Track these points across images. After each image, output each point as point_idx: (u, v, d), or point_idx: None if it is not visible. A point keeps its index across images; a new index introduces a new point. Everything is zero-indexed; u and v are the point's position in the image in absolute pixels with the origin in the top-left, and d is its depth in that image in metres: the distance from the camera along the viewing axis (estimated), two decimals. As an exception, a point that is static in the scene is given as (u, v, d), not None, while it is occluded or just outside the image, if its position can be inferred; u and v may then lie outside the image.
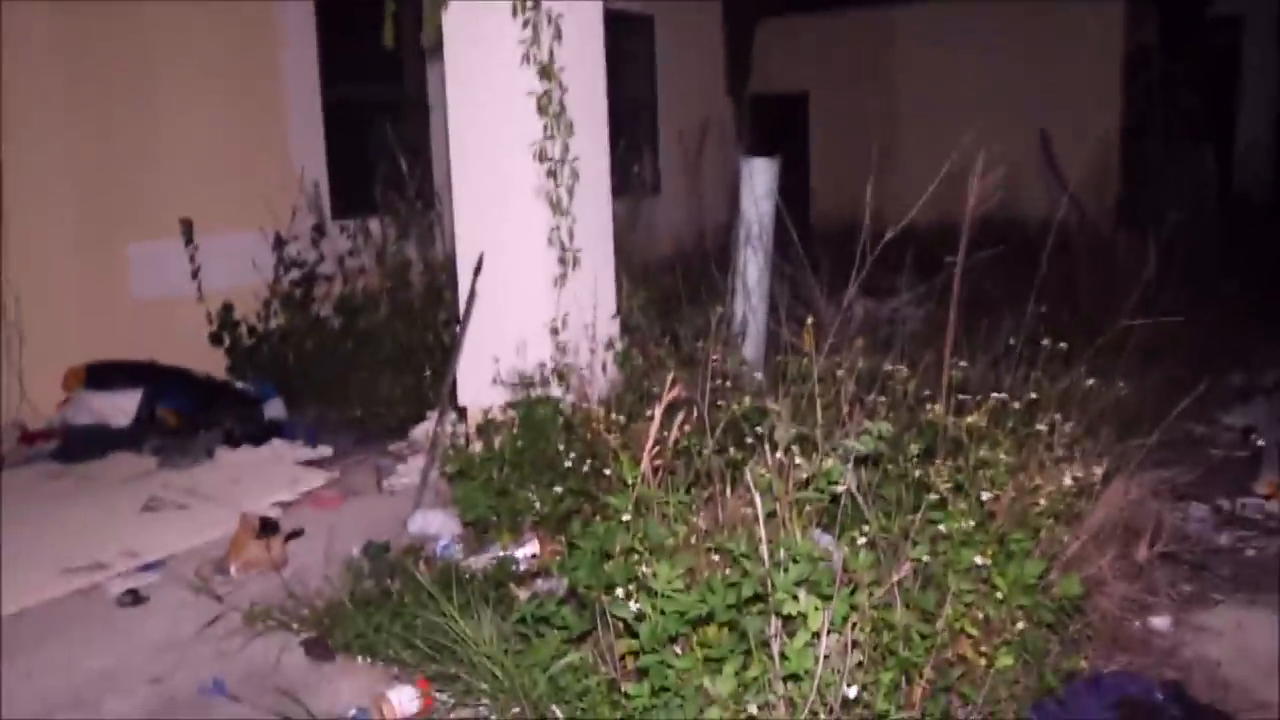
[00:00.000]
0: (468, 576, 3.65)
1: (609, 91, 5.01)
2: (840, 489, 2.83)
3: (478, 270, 4.86)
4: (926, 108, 11.85)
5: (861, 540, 2.65)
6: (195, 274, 7.02)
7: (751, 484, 2.69)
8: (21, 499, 5.13)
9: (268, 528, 4.18)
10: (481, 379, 4.86)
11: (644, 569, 2.66)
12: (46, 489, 5.30)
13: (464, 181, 4.81)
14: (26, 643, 3.67)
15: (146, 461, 5.69)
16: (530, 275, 4.72)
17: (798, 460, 2.84)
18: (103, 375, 6.36)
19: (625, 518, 2.94)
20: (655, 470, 3.23)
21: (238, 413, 6.18)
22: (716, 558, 2.85)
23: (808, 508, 2.88)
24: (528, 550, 4.16)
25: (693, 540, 2.94)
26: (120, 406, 6.15)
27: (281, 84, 7.57)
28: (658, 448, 3.20)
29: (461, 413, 5.20)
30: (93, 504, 5.03)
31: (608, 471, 3.59)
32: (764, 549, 2.57)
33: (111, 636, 3.70)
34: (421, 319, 6.53)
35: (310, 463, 5.69)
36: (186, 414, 6.30)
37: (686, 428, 3.40)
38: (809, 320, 3.72)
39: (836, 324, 4.08)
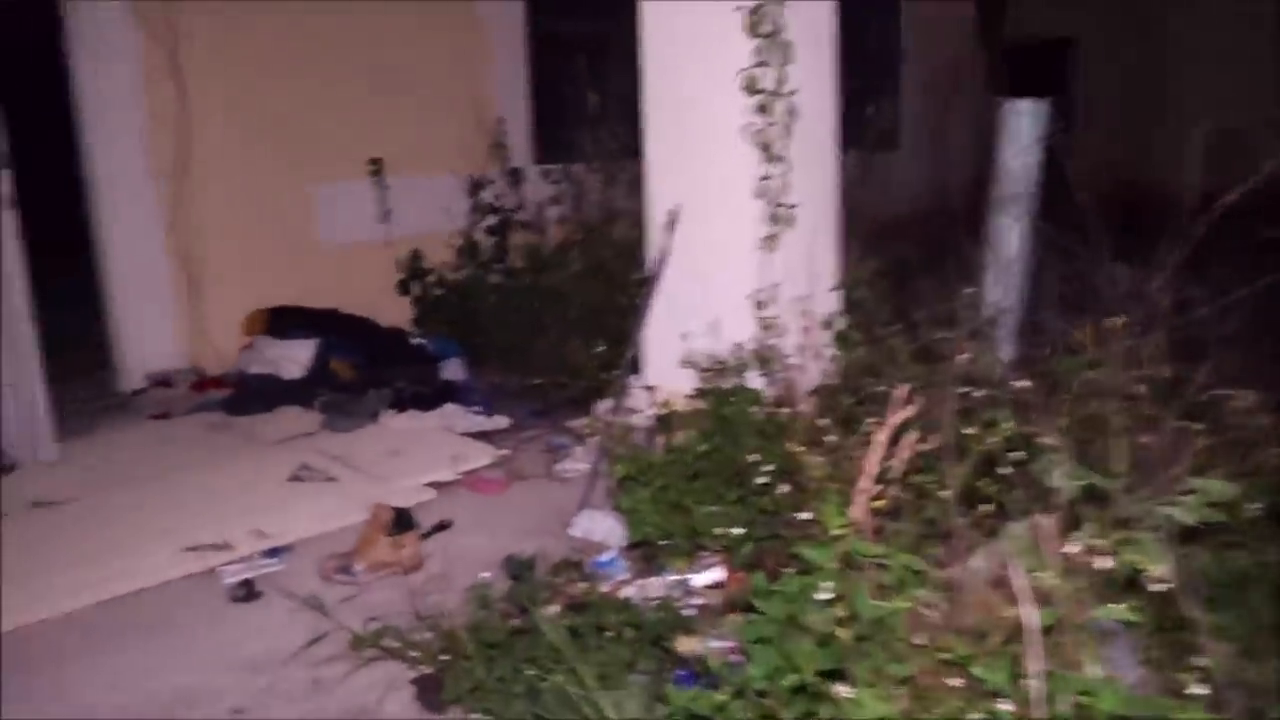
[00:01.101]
0: (622, 619, 2.86)
1: (840, 25, 4.04)
2: (1157, 586, 1.85)
3: (670, 227, 4.04)
4: (1202, 56, 10.16)
5: (1197, 686, 1.68)
6: (384, 217, 6.54)
7: (1017, 576, 1.75)
8: (175, 455, 4.74)
9: (402, 523, 3.54)
10: (667, 357, 4.06)
11: (839, 688, 1.79)
12: (204, 445, 4.90)
13: (657, 117, 3.99)
14: (117, 641, 3.17)
15: (310, 419, 5.21)
16: (732, 235, 3.85)
17: (1089, 537, 1.88)
18: (283, 321, 5.97)
19: (827, 592, 2.07)
20: (873, 511, 2.35)
21: (412, 371, 5.63)
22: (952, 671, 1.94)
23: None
24: (708, 577, 3.36)
25: (917, 636, 2.03)
26: (294, 356, 5.73)
27: (483, 19, 6.95)
28: (878, 486, 2.30)
29: (649, 391, 4.43)
30: (241, 467, 4.56)
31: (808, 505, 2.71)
32: (1033, 686, 1.64)
33: (207, 643, 3.14)
34: (617, 277, 5.76)
35: (480, 435, 5.06)
36: (360, 367, 5.82)
37: (920, 448, 2.48)
38: (1097, 310, 2.70)
39: (1131, 318, 3.02)
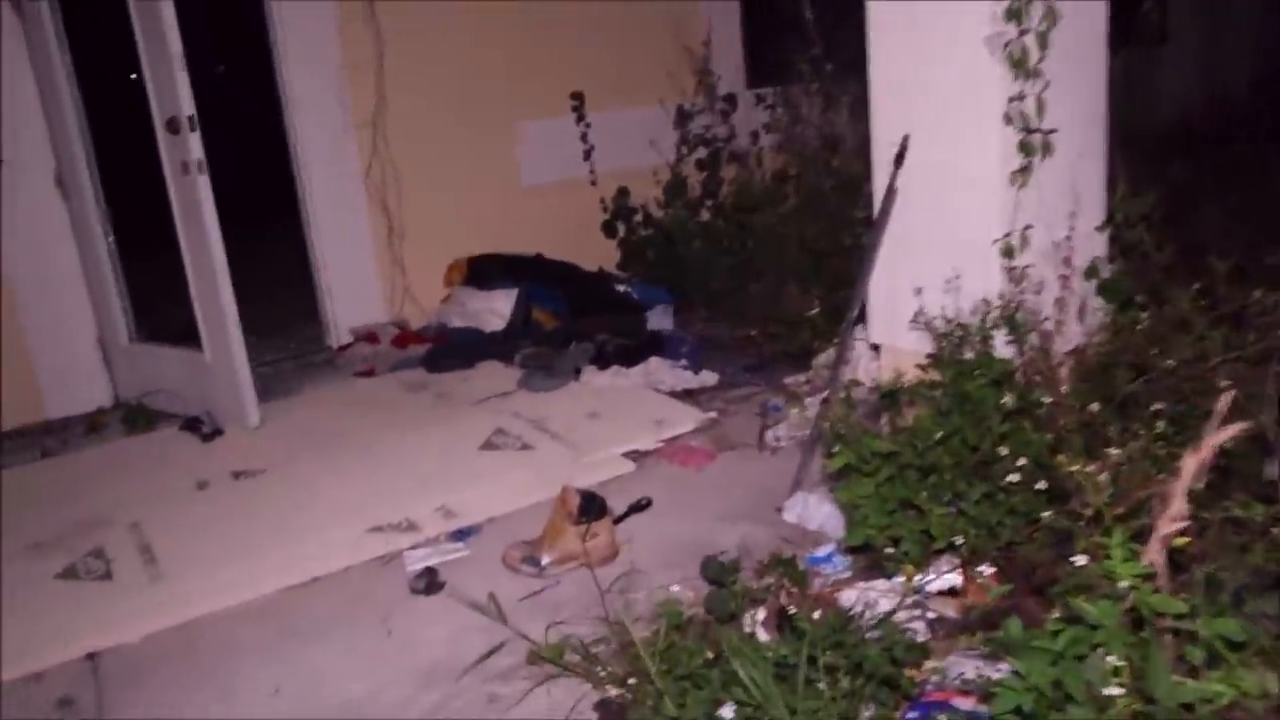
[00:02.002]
0: (839, 646, 2.37)
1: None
2: None
3: (899, 158, 3.42)
4: None
5: None
6: (588, 155, 6.15)
7: None
8: (371, 419, 4.56)
9: (590, 509, 3.16)
10: (896, 314, 3.48)
11: None
12: (400, 406, 4.70)
13: (884, 27, 3.36)
14: (290, 638, 2.96)
15: (509, 377, 4.93)
16: (974, 167, 3.21)
17: None
18: (484, 269, 5.72)
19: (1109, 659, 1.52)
20: (1172, 550, 1.77)
21: (617, 321, 5.25)
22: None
23: None
24: (944, 581, 2.83)
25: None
26: (495, 307, 5.47)
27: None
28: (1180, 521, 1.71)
29: (873, 352, 3.88)
30: (435, 432, 4.32)
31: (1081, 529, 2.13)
32: None
33: (381, 645, 2.88)
34: (839, 215, 5.15)
35: (686, 393, 4.63)
36: (563, 317, 5.50)
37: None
38: None
39: None
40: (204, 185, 4.24)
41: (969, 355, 3.02)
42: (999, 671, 2.17)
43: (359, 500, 3.70)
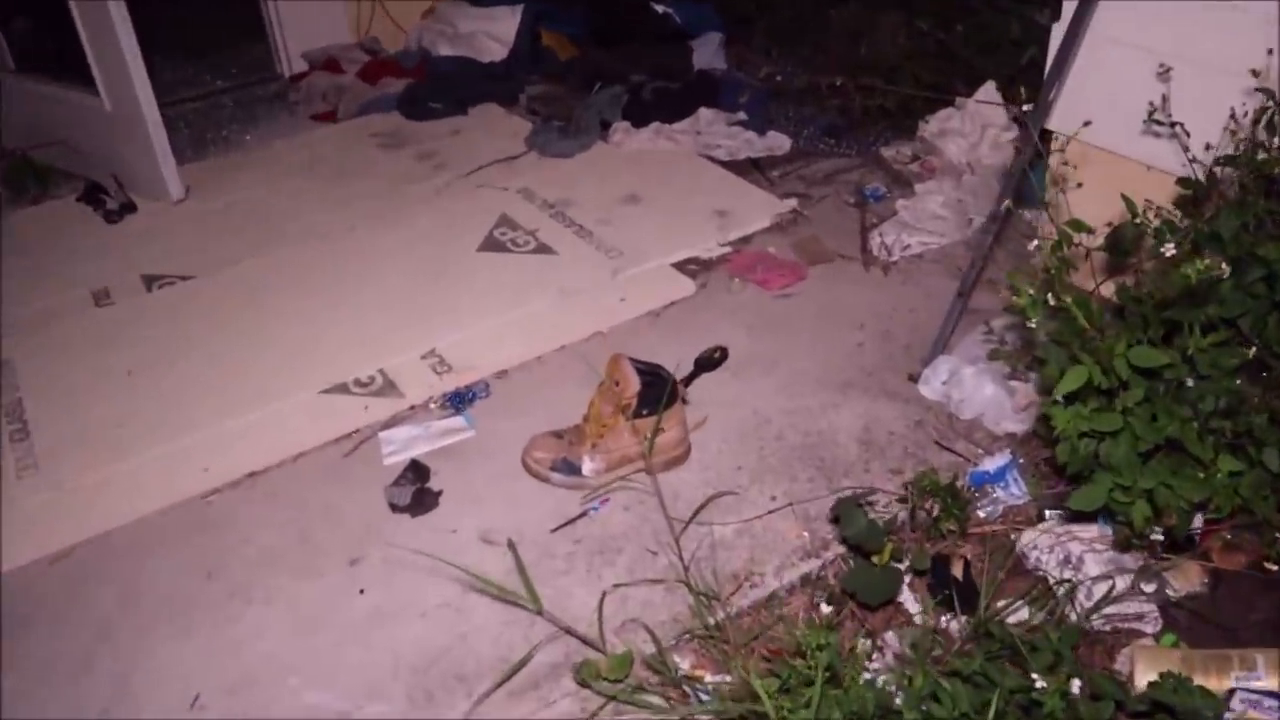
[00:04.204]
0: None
1: None
2: None
3: None
4: None
5: None
6: None
7: None
8: (328, 198, 3.41)
9: (654, 396, 2.11)
10: (1109, 99, 2.32)
11: None
12: (366, 175, 3.52)
13: None
14: (211, 594, 2.00)
15: (514, 129, 3.74)
16: None
17: None
18: (477, -25, 4.36)
19: None
20: None
21: (655, 54, 3.99)
22: None
23: None
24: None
25: None
26: (494, 29, 4.17)
27: None
28: None
29: (1044, 141, 2.73)
30: (417, 218, 3.20)
31: None
32: None
33: (342, 612, 1.92)
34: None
35: (751, 164, 3.48)
36: (584, 44, 4.22)
37: None
38: None
39: None
40: None
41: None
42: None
43: (315, 336, 2.65)
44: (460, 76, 4.01)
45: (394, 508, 2.12)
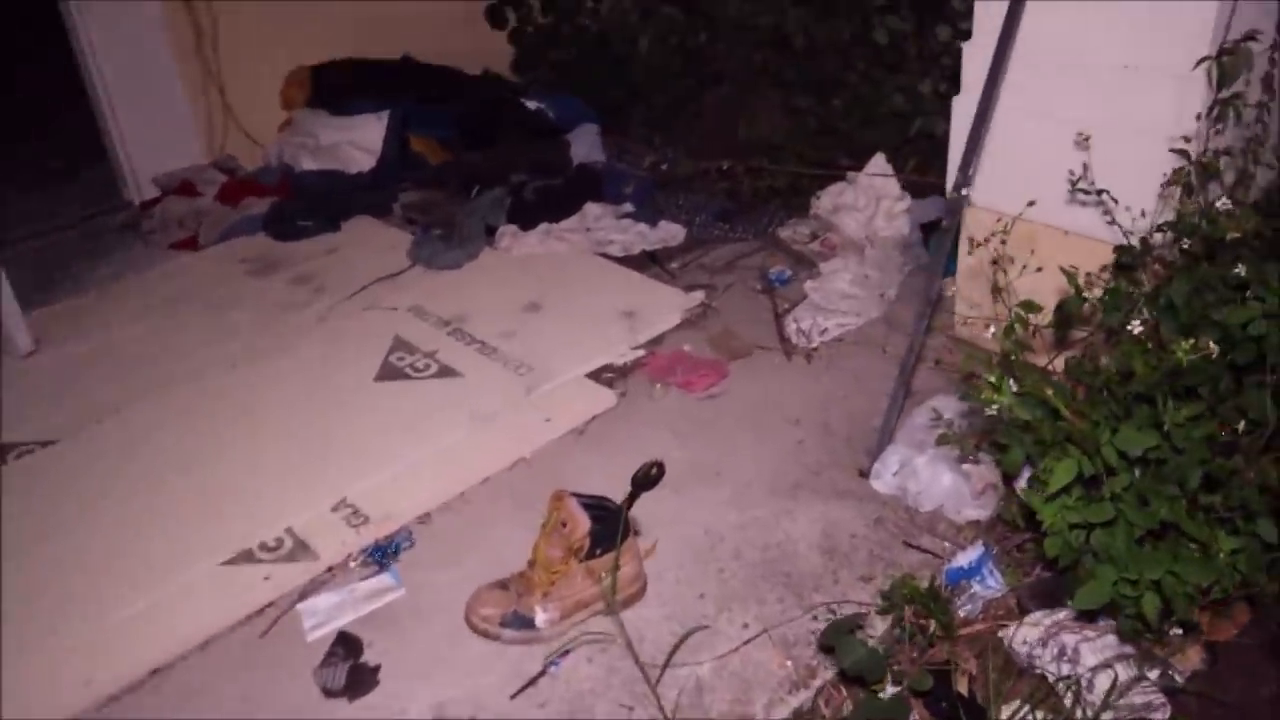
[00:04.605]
0: None
1: None
2: None
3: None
4: None
5: None
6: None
7: None
8: (200, 333, 3.14)
9: (606, 533, 1.93)
10: (1023, 171, 2.28)
11: None
12: (240, 306, 3.27)
13: None
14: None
15: (392, 243, 3.54)
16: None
17: None
18: (334, 83, 4.18)
19: None
20: None
21: (532, 151, 3.86)
22: None
23: None
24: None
25: None
26: (358, 138, 3.98)
27: None
28: None
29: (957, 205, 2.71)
30: (305, 349, 2.96)
31: None
32: None
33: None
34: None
35: (648, 257, 3.36)
36: (454, 146, 4.07)
37: None
38: None
39: None
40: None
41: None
42: None
43: (206, 497, 2.38)
44: (328, 190, 3.80)
45: (327, 692, 1.87)
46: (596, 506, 1.97)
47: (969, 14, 3.14)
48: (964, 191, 2.26)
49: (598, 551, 1.93)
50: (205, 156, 4.13)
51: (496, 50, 4.62)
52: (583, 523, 1.92)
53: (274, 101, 4.24)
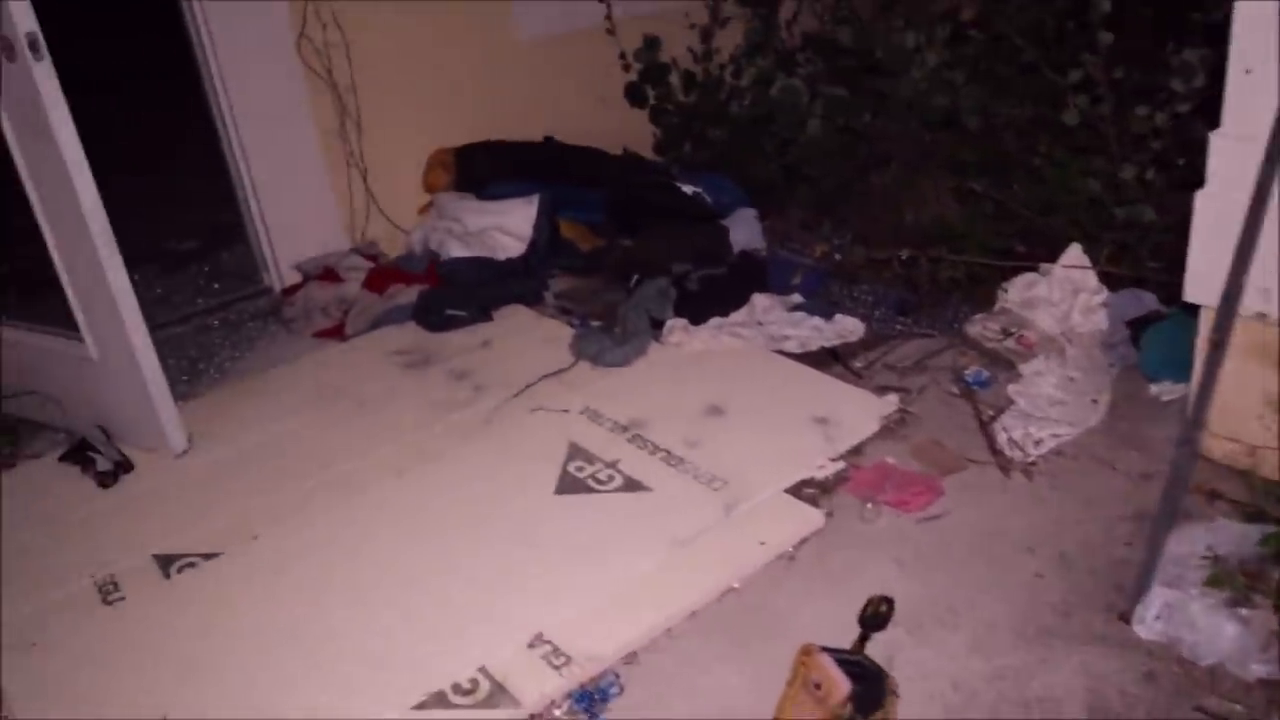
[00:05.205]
0: None
1: None
2: None
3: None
4: None
5: None
6: (607, -8, 4.41)
7: None
8: (363, 428, 2.98)
9: (871, 696, 1.67)
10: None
11: None
12: (401, 401, 3.10)
13: None
14: None
15: (549, 335, 3.36)
16: None
17: None
18: (477, 164, 4.05)
19: None
20: None
21: (688, 239, 3.67)
22: None
23: None
24: None
25: None
26: (506, 222, 3.83)
27: None
28: None
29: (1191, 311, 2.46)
30: (472, 456, 2.77)
31: None
32: None
33: None
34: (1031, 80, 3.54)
35: (829, 355, 3.12)
36: (604, 231, 3.91)
37: None
38: None
39: None
40: (44, 74, 2.47)
41: None
42: None
43: (387, 628, 2.17)
44: (479, 279, 3.64)
45: None
46: (851, 663, 1.72)
47: (1187, 96, 2.93)
48: (1231, 296, 2.00)
49: (858, 717, 1.67)
50: (347, 241, 4.01)
51: (634, 130, 4.47)
52: (842, 685, 1.67)
53: (412, 184, 4.12)
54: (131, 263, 2.71)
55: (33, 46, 2.38)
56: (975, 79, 3.44)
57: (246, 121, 3.72)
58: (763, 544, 2.30)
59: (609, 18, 4.36)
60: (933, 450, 2.64)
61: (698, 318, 3.24)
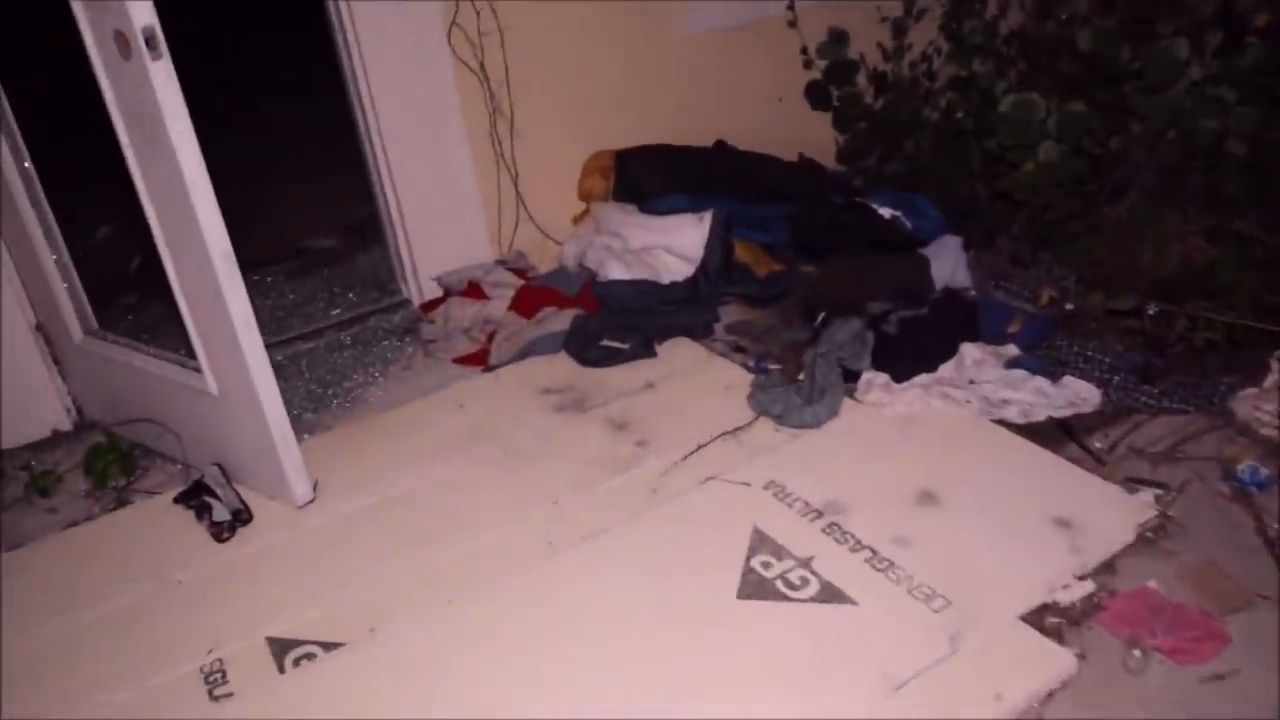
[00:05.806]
0: None
1: None
2: None
3: None
4: None
5: None
6: (789, -19, 3.92)
7: None
8: (512, 488, 2.59)
9: None
10: None
11: None
12: (554, 453, 2.71)
13: None
14: None
15: (722, 375, 2.93)
16: None
17: None
18: (641, 172, 3.63)
19: None
20: None
21: (882, 270, 3.17)
22: None
23: None
24: None
25: None
26: (673, 241, 3.41)
27: None
28: None
29: None
30: (637, 537, 2.35)
31: None
32: None
33: None
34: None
35: (1060, 428, 2.60)
36: (784, 253, 3.44)
37: None
38: None
39: None
40: (161, 74, 2.11)
41: None
42: None
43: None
44: (641, 306, 3.22)
45: None
46: None
47: None
48: None
49: None
50: (492, 251, 3.63)
51: (813, 136, 3.98)
52: None
53: (566, 190, 3.72)
54: (263, 264, 2.36)
55: (150, 43, 2.03)
56: (1250, 98, 2.84)
57: (390, 112, 3.35)
58: (999, 698, 1.82)
59: (791, 7, 3.87)
60: (1208, 576, 2.11)
61: (901, 372, 2.75)
